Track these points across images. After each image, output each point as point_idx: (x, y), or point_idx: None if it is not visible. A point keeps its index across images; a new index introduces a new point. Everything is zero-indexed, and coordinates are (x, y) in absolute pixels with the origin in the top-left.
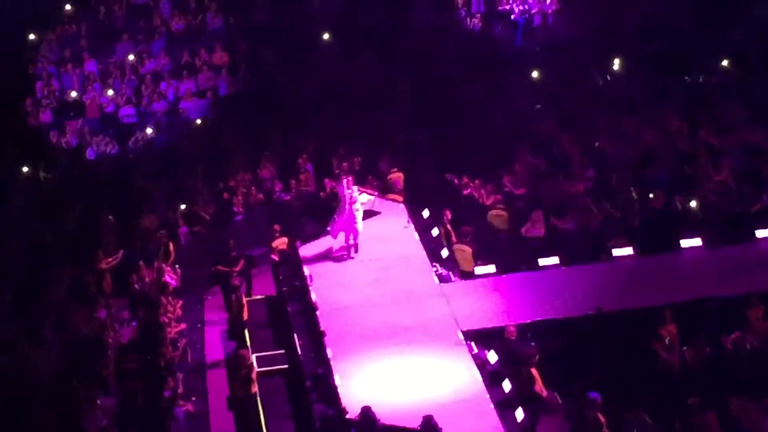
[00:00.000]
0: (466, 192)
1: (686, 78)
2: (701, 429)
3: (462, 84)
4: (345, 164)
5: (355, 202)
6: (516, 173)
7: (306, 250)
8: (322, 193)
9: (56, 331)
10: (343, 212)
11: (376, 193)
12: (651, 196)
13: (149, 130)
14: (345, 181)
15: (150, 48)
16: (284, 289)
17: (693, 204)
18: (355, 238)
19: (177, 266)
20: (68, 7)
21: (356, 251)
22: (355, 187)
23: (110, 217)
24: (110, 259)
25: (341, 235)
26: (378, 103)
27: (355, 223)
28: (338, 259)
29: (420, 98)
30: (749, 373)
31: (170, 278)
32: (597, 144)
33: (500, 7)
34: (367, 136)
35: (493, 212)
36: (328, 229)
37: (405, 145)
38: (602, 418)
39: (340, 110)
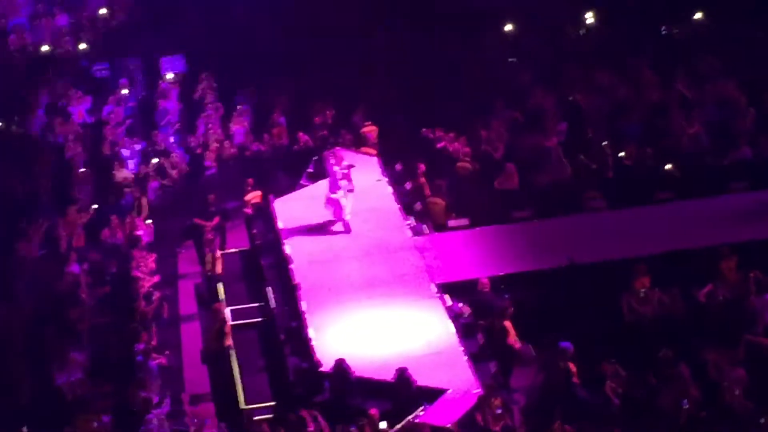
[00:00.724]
0: (440, 145)
1: (662, 30)
2: (673, 380)
3: (435, 37)
4: (318, 118)
5: (345, 179)
6: (491, 127)
7: (280, 204)
8: (295, 147)
9: (28, 285)
10: (335, 191)
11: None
12: (623, 154)
13: (125, 91)
14: (333, 157)
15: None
16: (258, 242)
17: (668, 167)
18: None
19: (149, 220)
20: None
21: (348, 231)
22: (344, 163)
23: (83, 170)
24: (83, 214)
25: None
26: (351, 57)
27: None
28: (313, 215)
29: (393, 51)
30: (721, 324)
31: (142, 232)
32: (571, 98)
33: None
34: (341, 90)
35: (460, 164)
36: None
37: (379, 99)
38: (574, 368)
39: (315, 63)
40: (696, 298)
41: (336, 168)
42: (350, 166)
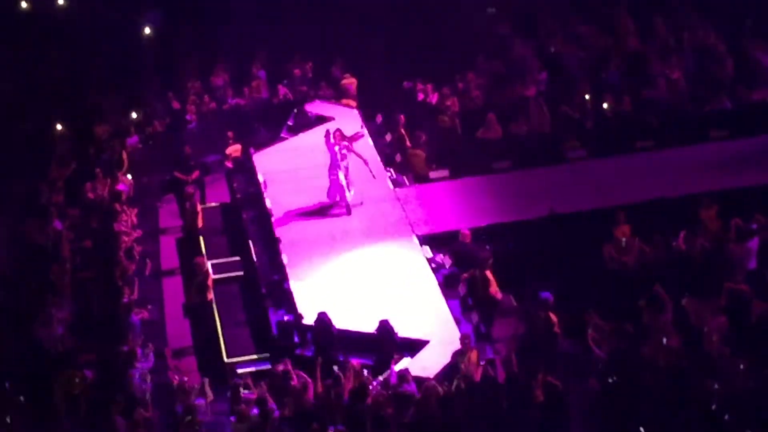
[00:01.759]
0: (420, 97)
1: None
2: (654, 329)
3: None
4: (297, 71)
5: (345, 158)
6: (467, 79)
7: (260, 157)
8: (275, 99)
9: (9, 241)
10: (333, 171)
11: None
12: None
13: None
14: (332, 136)
15: None
16: (238, 196)
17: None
18: (344, 199)
19: (129, 174)
20: None
21: (349, 212)
22: (344, 143)
23: (60, 127)
24: (64, 169)
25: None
26: (330, 8)
27: (347, 181)
28: (296, 170)
29: (371, 3)
30: (702, 272)
31: (123, 186)
32: (552, 49)
33: None
34: (320, 42)
35: (440, 116)
36: (327, 198)
37: (358, 51)
38: (554, 318)
39: (293, 15)
40: (675, 246)
41: (336, 148)
42: (350, 142)
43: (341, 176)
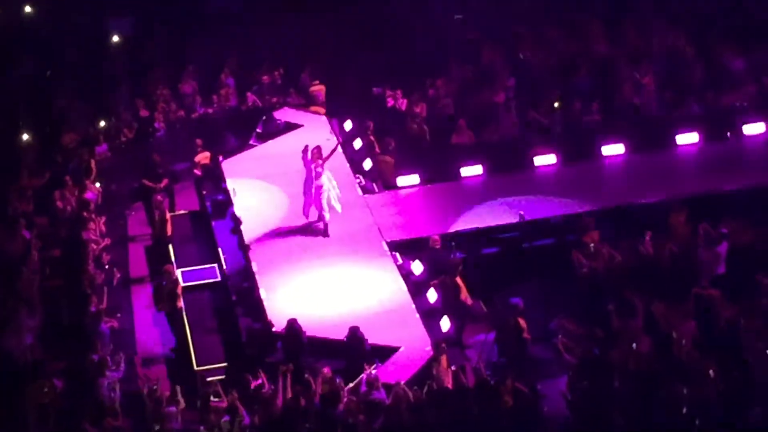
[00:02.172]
0: (389, 103)
1: None
2: (623, 334)
3: None
4: (266, 77)
5: (319, 177)
6: (436, 85)
7: (229, 164)
8: (243, 107)
9: None
10: (309, 188)
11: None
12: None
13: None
14: (309, 152)
15: None
16: (208, 203)
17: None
18: (323, 219)
19: (98, 183)
20: None
21: (326, 234)
22: (320, 161)
23: (27, 135)
24: (35, 179)
25: (313, 212)
26: (301, 15)
27: (322, 202)
28: (265, 178)
29: (342, 10)
30: (671, 277)
31: (92, 195)
32: (521, 56)
33: None
34: (290, 49)
35: (409, 122)
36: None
37: (327, 58)
38: (523, 323)
39: (262, 22)
40: (644, 250)
41: (313, 165)
42: (326, 158)
43: (323, 195)
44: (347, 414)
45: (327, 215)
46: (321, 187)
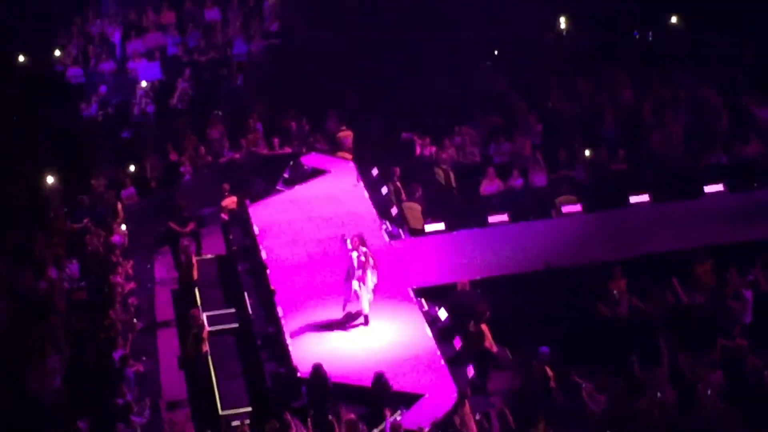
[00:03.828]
0: (416, 150)
1: (635, 34)
2: (648, 383)
3: (411, 42)
4: (293, 123)
5: (363, 267)
6: (463, 133)
7: (256, 209)
8: (271, 152)
9: (4, 291)
10: (350, 278)
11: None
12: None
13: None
14: (350, 241)
15: (97, 8)
16: (234, 248)
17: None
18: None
19: (124, 226)
20: None
21: (367, 323)
22: (363, 249)
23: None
24: (71, 224)
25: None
26: (327, 62)
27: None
28: (289, 220)
29: (369, 56)
30: (697, 327)
31: (118, 238)
32: (550, 105)
33: None
34: (316, 96)
35: (436, 169)
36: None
37: (354, 104)
38: (550, 372)
39: (290, 70)
40: (672, 300)
41: (354, 254)
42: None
43: (355, 285)
44: None
45: (367, 303)
46: (363, 278)
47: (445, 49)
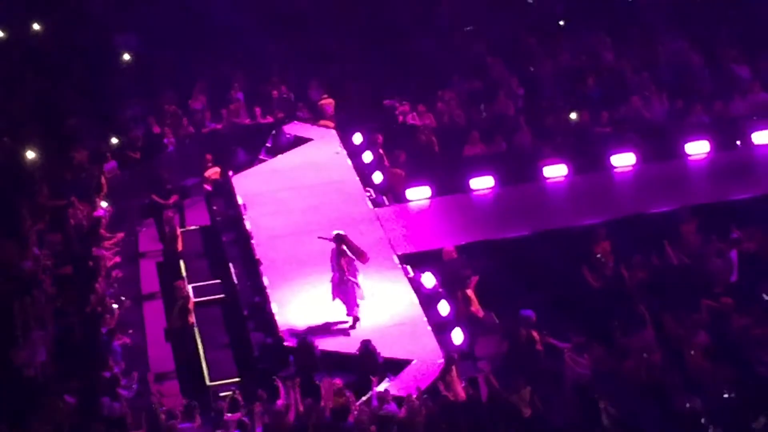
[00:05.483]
0: (398, 115)
1: None
2: (635, 345)
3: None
4: (275, 92)
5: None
6: (445, 98)
7: (239, 179)
8: (253, 121)
9: None
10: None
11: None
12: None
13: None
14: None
15: None
16: (218, 218)
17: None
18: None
19: (104, 202)
20: None
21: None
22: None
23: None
24: (56, 200)
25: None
26: (309, 29)
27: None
28: (273, 190)
29: (348, 23)
30: (682, 287)
31: (102, 211)
32: (531, 68)
33: None
34: (298, 62)
35: (419, 134)
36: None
37: (335, 71)
38: (536, 335)
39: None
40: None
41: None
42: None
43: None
44: (357, 427)
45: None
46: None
47: (425, 13)
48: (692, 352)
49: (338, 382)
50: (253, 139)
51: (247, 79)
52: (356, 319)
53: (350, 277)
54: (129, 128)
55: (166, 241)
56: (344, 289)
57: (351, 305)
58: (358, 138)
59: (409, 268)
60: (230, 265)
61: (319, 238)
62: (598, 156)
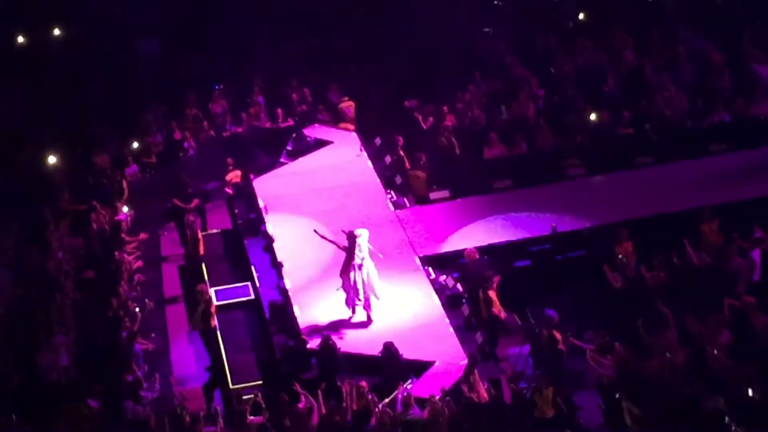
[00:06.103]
0: (418, 118)
1: None
2: (658, 345)
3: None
4: (294, 95)
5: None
6: (465, 99)
7: (260, 182)
8: (273, 124)
9: (11, 271)
10: (347, 270)
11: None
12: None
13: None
14: (347, 235)
15: None
16: (239, 222)
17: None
18: (366, 306)
19: (125, 207)
20: None
21: (369, 320)
22: (362, 244)
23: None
24: (78, 205)
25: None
26: (327, 31)
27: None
28: (294, 193)
29: (368, 24)
30: (704, 287)
31: (124, 216)
32: (552, 70)
33: None
34: (318, 66)
35: (439, 136)
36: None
37: (355, 74)
38: (558, 335)
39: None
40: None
41: (357, 251)
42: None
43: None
44: (380, 429)
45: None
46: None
47: (445, 14)
48: (715, 352)
49: (363, 384)
50: (273, 142)
51: (267, 82)
52: (353, 313)
53: (352, 273)
54: (150, 132)
55: (187, 244)
56: (347, 283)
57: (350, 298)
58: (378, 140)
59: (430, 269)
60: (252, 268)
61: (314, 232)
62: (618, 156)
